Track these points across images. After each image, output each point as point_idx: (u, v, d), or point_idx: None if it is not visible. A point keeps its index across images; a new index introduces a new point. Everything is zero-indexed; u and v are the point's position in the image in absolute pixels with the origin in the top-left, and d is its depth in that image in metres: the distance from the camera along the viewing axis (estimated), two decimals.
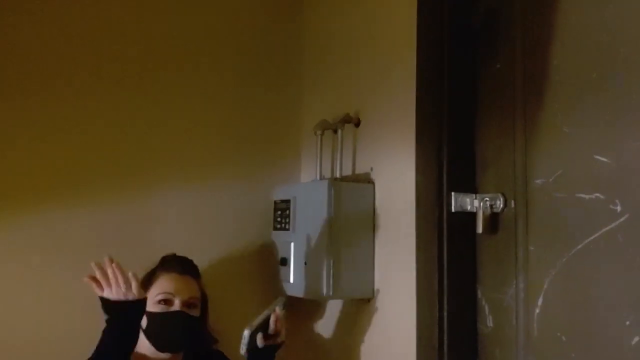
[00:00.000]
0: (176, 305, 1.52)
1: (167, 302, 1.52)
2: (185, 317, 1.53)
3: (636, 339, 1.13)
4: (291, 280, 1.79)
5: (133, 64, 1.85)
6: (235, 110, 2.03)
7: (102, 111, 1.78)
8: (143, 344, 1.49)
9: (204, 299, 1.63)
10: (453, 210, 1.48)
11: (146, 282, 1.56)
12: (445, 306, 1.48)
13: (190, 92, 1.94)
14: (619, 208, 1.17)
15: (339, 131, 1.81)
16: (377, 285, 1.70)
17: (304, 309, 2.00)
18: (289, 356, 2.02)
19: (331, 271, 1.64)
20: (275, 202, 1.91)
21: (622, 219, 1.16)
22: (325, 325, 1.93)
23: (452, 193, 1.49)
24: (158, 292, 1.53)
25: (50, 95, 1.71)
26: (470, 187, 1.52)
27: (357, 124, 1.82)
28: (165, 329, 1.51)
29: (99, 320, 1.38)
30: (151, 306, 1.50)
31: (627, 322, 1.14)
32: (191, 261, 1.67)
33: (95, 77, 1.78)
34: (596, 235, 1.21)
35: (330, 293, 1.64)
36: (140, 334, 1.45)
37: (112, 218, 1.76)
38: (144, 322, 1.48)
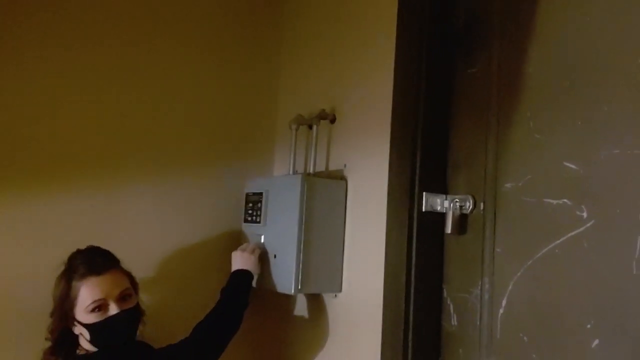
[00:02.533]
0: (112, 308, 1.45)
1: (101, 307, 1.44)
2: (126, 315, 1.47)
3: (596, 342, 1.16)
4: (260, 273, 1.79)
5: (106, 56, 1.81)
6: (211, 101, 2.01)
7: (75, 101, 1.75)
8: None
9: (131, 280, 1.57)
10: (423, 209, 1.50)
11: (64, 297, 1.45)
12: (412, 304, 1.50)
13: (165, 82, 1.92)
14: (585, 214, 1.21)
15: (314, 127, 1.82)
16: (346, 280, 1.71)
17: (271, 302, 2.00)
18: (255, 348, 2.02)
19: (300, 265, 1.65)
20: (247, 195, 1.91)
21: (587, 225, 1.20)
22: (293, 319, 1.93)
23: (424, 193, 1.51)
24: (87, 302, 1.42)
25: (21, 83, 1.68)
26: (442, 188, 1.54)
27: (333, 121, 1.83)
28: (111, 335, 1.45)
29: None
30: (86, 317, 1.43)
31: (588, 326, 1.18)
32: (102, 252, 1.54)
33: (70, 66, 1.75)
34: (562, 239, 1.25)
35: (299, 287, 1.64)
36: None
37: (81, 207, 1.73)
38: (86, 334, 1.44)
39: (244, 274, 1.73)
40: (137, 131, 1.85)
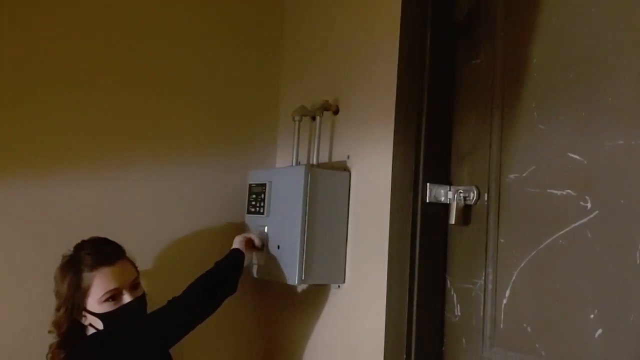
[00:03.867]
0: (126, 297, 1.47)
1: (114, 297, 1.46)
2: (138, 303, 1.50)
3: (599, 331, 1.17)
4: (263, 264, 1.80)
5: (111, 46, 1.81)
6: (213, 92, 2.01)
7: (78, 91, 1.74)
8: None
9: (136, 268, 1.57)
10: (427, 200, 1.51)
11: (75, 289, 1.44)
12: (415, 295, 1.50)
13: (168, 73, 1.91)
14: (589, 205, 1.21)
15: (318, 118, 1.82)
16: (349, 271, 1.72)
17: (275, 293, 2.01)
18: (257, 338, 2.04)
19: (304, 256, 1.65)
20: (250, 186, 1.91)
21: (591, 216, 1.20)
22: (295, 310, 1.94)
23: (428, 184, 1.51)
24: (101, 293, 1.44)
25: (24, 72, 1.67)
26: (445, 178, 1.54)
27: (336, 112, 1.82)
28: (127, 323, 1.47)
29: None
30: (99, 307, 1.44)
31: (591, 316, 1.18)
32: (108, 242, 1.54)
33: (75, 56, 1.74)
34: (565, 230, 1.25)
35: (302, 278, 1.65)
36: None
37: (82, 198, 1.73)
38: (99, 324, 1.45)
39: (235, 249, 1.73)
40: (139, 121, 1.84)
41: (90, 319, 1.46)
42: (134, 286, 1.51)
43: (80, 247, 1.51)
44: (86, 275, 1.45)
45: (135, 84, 1.84)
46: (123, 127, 1.81)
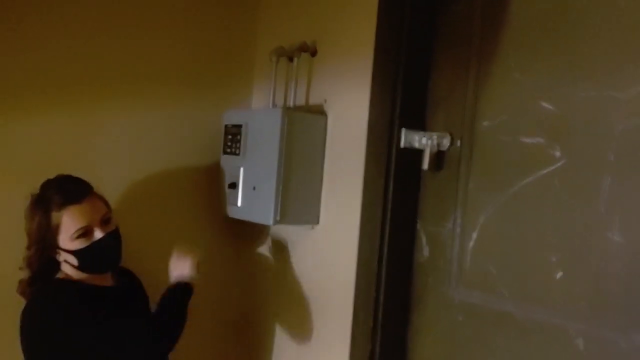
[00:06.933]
0: (97, 233, 1.47)
1: (86, 233, 1.46)
2: (111, 237, 1.50)
3: (560, 274, 1.23)
4: (239, 204, 1.82)
5: None
6: (188, 29, 1.96)
7: (50, 27, 1.69)
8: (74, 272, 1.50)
9: (106, 203, 1.56)
10: (402, 145, 1.53)
11: (45, 228, 1.44)
12: (387, 236, 1.55)
13: (140, 7, 1.86)
14: (558, 153, 1.25)
15: (295, 59, 1.80)
16: (323, 213, 1.75)
17: (249, 233, 2.04)
18: (232, 277, 2.08)
19: (279, 197, 1.67)
20: (226, 127, 1.90)
21: (559, 164, 1.25)
22: (269, 250, 1.98)
23: (403, 129, 1.53)
24: (71, 231, 1.44)
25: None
26: (420, 124, 1.57)
27: (314, 54, 1.81)
28: (100, 258, 1.49)
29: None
30: (71, 244, 1.45)
31: (554, 259, 1.24)
32: (74, 180, 1.52)
33: None
34: (534, 177, 1.30)
35: (278, 218, 1.68)
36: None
37: (51, 132, 1.70)
38: (74, 260, 1.46)
39: (185, 284, 1.61)
40: (112, 59, 1.80)
41: (64, 256, 1.47)
42: (104, 221, 1.50)
43: (47, 186, 1.50)
44: (54, 214, 1.44)
45: (107, 21, 1.79)
46: (95, 65, 1.77)
